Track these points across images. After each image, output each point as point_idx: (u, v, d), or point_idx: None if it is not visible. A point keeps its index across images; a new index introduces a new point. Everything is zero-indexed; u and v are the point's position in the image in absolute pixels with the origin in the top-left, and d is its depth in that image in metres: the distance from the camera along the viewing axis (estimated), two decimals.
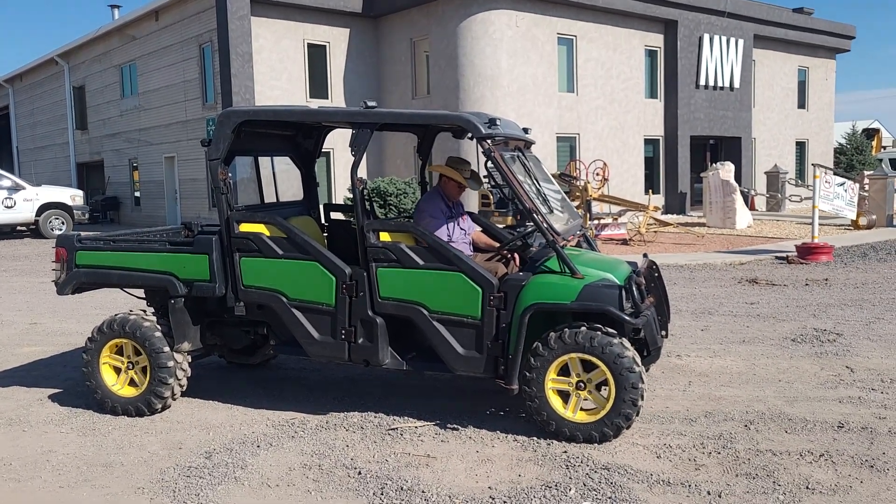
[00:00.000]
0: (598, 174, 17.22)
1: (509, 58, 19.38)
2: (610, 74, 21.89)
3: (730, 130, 24.77)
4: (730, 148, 25.33)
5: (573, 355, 4.56)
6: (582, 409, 4.64)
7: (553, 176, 15.71)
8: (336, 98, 20.87)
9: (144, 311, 5.50)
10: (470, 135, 4.99)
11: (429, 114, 5.73)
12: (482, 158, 4.92)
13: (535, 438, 4.67)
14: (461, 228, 5.57)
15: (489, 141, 4.81)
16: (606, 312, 4.52)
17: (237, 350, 6.33)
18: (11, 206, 20.74)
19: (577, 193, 15.64)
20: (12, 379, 6.43)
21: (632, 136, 22.65)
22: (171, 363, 5.26)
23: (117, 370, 5.43)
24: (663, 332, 5.29)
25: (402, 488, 4.02)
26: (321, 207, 6.54)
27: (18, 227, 22.26)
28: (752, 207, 21.64)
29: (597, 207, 17.60)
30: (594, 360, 4.51)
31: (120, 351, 5.43)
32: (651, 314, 4.83)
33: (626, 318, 4.50)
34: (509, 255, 5.49)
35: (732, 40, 24.14)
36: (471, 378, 5.15)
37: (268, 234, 5.16)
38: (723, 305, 9.14)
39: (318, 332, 5.09)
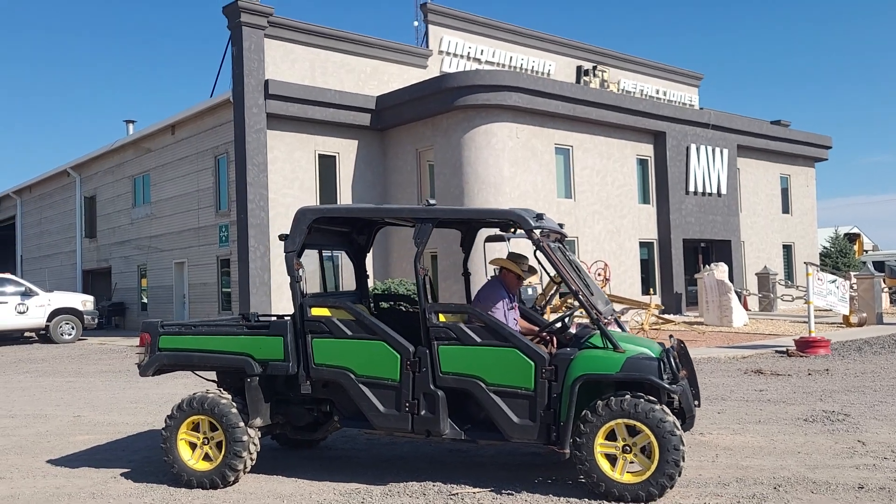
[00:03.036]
0: (599, 274, 17.98)
1: (511, 166, 20.55)
2: (605, 182, 23.10)
3: (719, 234, 25.88)
4: (720, 250, 26.35)
5: (619, 421, 5.07)
6: (628, 472, 5.11)
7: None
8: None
9: (220, 391, 5.98)
10: (517, 229, 5.67)
11: (483, 210, 6.39)
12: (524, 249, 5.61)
13: (587, 500, 5.11)
14: (514, 318, 6.20)
15: (537, 233, 5.49)
16: (648, 381, 5.09)
17: (300, 427, 6.70)
18: (24, 312, 21.17)
19: None
20: (79, 462, 6.80)
21: (627, 239, 23.64)
22: (245, 438, 5.72)
23: (193, 446, 5.87)
24: (696, 402, 5.82)
25: None
26: (371, 296, 7.18)
27: (26, 333, 22.60)
28: (745, 307, 22.37)
29: None
30: (639, 424, 5.02)
31: (196, 428, 5.87)
32: (685, 385, 5.41)
33: (667, 385, 5.06)
34: (547, 337, 6.09)
35: (718, 150, 25.62)
36: (513, 453, 5.61)
37: (338, 317, 5.74)
38: (734, 392, 9.65)
39: (383, 405, 5.57)
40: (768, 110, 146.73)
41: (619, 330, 6.24)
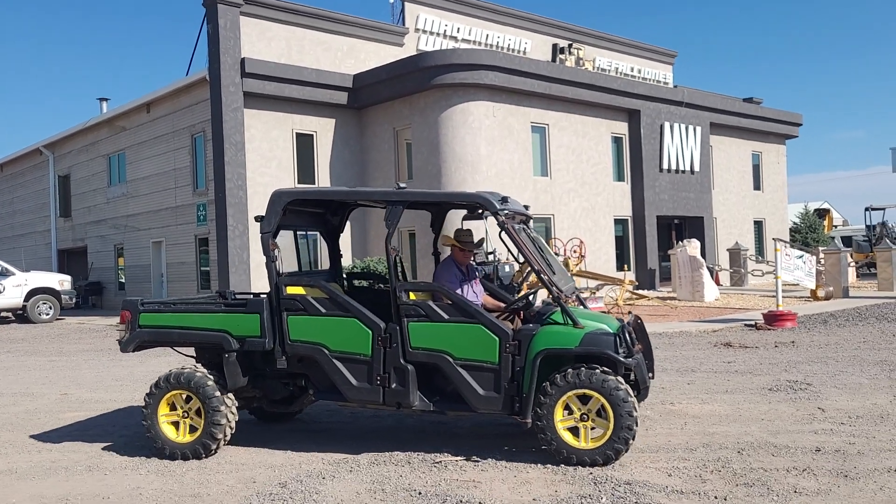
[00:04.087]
0: (575, 251, 18.34)
1: (488, 145, 20.76)
2: (580, 159, 23.40)
3: (692, 210, 26.35)
4: (693, 227, 26.86)
5: (576, 391, 5.42)
6: (584, 439, 5.45)
7: None
8: (322, 184, 21.92)
9: (198, 366, 6.28)
10: (484, 211, 5.93)
11: (451, 193, 6.75)
12: (492, 229, 5.87)
13: (562, 466, 5.43)
14: (474, 291, 6.48)
15: (502, 215, 5.78)
16: (604, 355, 5.47)
17: (275, 401, 7.00)
18: (1, 292, 21.09)
19: None
20: (72, 436, 6.99)
21: (602, 216, 24.02)
22: (222, 408, 6.00)
23: (174, 423, 6.12)
24: (650, 374, 6.23)
25: (461, 501, 4.74)
26: (343, 275, 7.48)
27: (3, 313, 22.51)
28: (716, 282, 22.91)
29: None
30: (594, 393, 5.39)
31: (175, 403, 6.14)
32: (640, 358, 5.80)
33: (622, 359, 5.45)
34: (513, 315, 6.39)
35: (691, 128, 26.02)
36: (490, 423, 5.91)
37: (312, 295, 6.01)
38: (703, 364, 10.05)
39: (356, 379, 5.87)
40: (741, 88, 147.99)
41: (581, 307, 6.59)
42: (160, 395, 6.12)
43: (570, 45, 28.52)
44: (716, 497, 4.71)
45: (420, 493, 4.95)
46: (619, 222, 24.82)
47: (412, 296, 5.83)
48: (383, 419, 7.24)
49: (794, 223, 36.85)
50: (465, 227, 6.76)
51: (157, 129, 23.44)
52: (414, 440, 6.40)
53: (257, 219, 6.33)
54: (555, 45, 28.31)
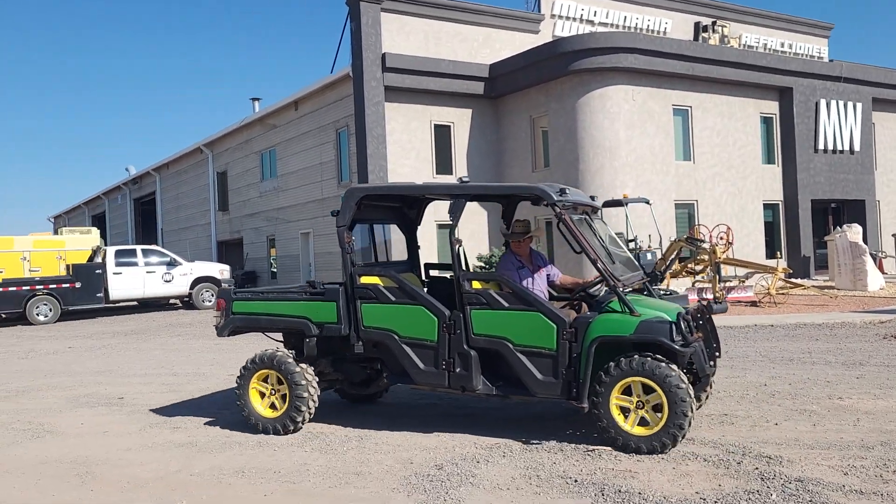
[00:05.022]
0: (722, 238, 17.53)
1: (627, 130, 20.22)
2: (726, 142, 22.32)
3: (852, 193, 24.49)
4: (853, 211, 24.97)
5: (632, 379, 5.46)
6: (640, 425, 5.50)
7: (679, 241, 16.23)
8: (460, 174, 22.18)
9: (284, 350, 6.86)
10: (545, 202, 6.07)
11: (509, 186, 7.07)
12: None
13: (724, 461, 5.24)
14: (536, 280, 6.59)
15: (559, 206, 5.91)
16: (659, 343, 5.45)
17: (355, 383, 7.54)
18: (169, 281, 22.91)
19: (705, 257, 16.00)
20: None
21: (750, 201, 22.81)
22: (303, 382, 6.48)
23: (262, 395, 6.69)
24: (711, 363, 6.03)
25: (619, 491, 4.69)
26: (422, 266, 7.76)
27: (171, 300, 24.46)
28: (880, 270, 21.20)
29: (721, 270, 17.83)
30: (647, 381, 5.40)
31: (265, 380, 6.70)
32: (699, 346, 5.67)
33: (676, 347, 5.42)
34: (578, 304, 6.56)
35: (850, 104, 24.14)
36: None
37: (383, 284, 6.34)
38: (872, 357, 9.34)
39: (423, 363, 6.18)
40: None
41: (648, 296, 6.57)
42: (249, 375, 6.72)
43: (713, 23, 27.20)
44: None
45: (576, 481, 4.94)
46: (769, 207, 23.48)
47: (476, 285, 6.06)
48: (532, 406, 7.26)
49: None
50: (522, 219, 6.94)
51: (305, 125, 24.60)
52: (563, 426, 6.38)
53: (333, 213, 6.75)
54: (697, 24, 27.10)
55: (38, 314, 20.63)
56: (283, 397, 6.57)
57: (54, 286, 20.93)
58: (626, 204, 16.31)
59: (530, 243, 6.79)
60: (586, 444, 5.78)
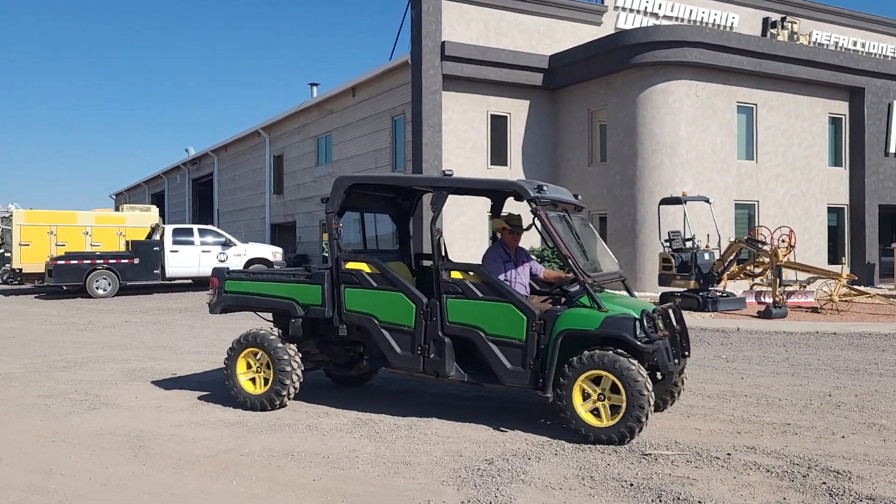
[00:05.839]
0: (784, 241, 16.98)
1: (688, 126, 19.73)
2: (791, 142, 21.61)
3: None
4: None
5: (594, 371, 5.64)
6: (600, 417, 5.69)
7: (739, 241, 15.75)
8: (514, 166, 21.99)
9: (272, 328, 7.14)
10: (524, 198, 6.15)
11: (489, 180, 7.23)
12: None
13: (789, 472, 5.02)
14: (522, 273, 6.66)
15: (535, 202, 6.07)
16: (622, 338, 5.65)
17: (340, 364, 7.81)
18: (224, 261, 23.27)
19: (765, 259, 15.52)
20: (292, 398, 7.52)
21: (814, 204, 22.06)
22: (286, 357, 6.69)
23: (250, 374, 7.00)
24: (676, 361, 6.09)
25: (678, 498, 4.52)
26: (412, 255, 7.93)
27: None
28: None
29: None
30: (607, 374, 5.60)
31: (254, 357, 6.94)
32: (663, 344, 5.73)
33: (639, 343, 5.60)
34: (558, 298, 6.67)
35: None
36: (698, 416, 5.57)
37: (367, 270, 6.57)
38: None
39: (400, 348, 6.43)
40: None
41: (625, 294, 6.67)
42: (236, 354, 6.95)
43: (783, 19, 26.32)
44: None
45: (632, 485, 4.78)
46: (833, 211, 22.68)
47: (455, 274, 6.23)
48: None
49: None
50: (515, 213, 6.98)
51: (361, 111, 24.66)
52: None
53: (322, 200, 6.97)
54: (766, 19, 26.25)
55: (97, 287, 21.20)
56: (268, 366, 6.84)
57: (114, 261, 21.48)
58: (685, 202, 15.92)
59: (520, 238, 6.91)
60: (642, 448, 5.62)
